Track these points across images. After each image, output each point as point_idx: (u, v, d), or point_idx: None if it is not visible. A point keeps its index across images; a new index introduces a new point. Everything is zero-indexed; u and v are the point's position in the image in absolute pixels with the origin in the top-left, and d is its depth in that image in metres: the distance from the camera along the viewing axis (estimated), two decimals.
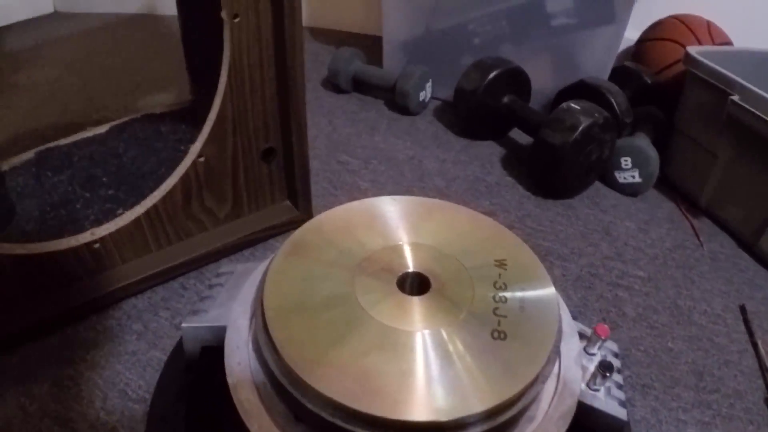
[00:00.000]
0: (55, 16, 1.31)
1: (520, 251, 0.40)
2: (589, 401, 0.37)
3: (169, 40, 1.18)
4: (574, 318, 0.48)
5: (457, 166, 0.86)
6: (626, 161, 0.79)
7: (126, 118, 0.83)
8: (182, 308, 0.60)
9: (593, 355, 0.40)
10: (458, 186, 0.81)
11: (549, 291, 0.37)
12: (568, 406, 0.35)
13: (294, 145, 0.64)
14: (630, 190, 0.81)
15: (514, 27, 0.91)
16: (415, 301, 0.36)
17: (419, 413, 0.29)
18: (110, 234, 0.57)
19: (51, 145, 0.73)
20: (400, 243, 0.40)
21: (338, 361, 0.31)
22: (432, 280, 0.37)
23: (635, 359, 0.57)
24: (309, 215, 0.71)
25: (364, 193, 0.78)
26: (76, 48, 1.16)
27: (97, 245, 0.56)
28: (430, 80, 0.97)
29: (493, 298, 0.36)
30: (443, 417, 0.29)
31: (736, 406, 0.54)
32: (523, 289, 0.37)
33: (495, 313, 0.35)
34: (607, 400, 0.37)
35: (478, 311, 0.35)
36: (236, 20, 0.52)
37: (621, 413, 0.37)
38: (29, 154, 0.71)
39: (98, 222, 0.59)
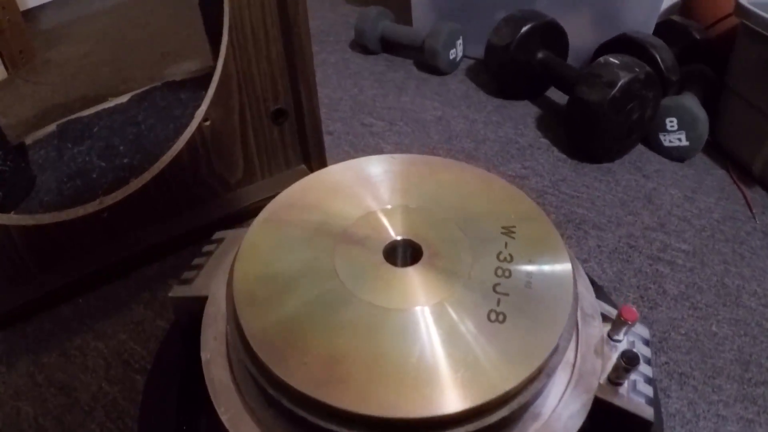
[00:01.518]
0: None
1: (533, 217, 0.36)
2: (608, 398, 0.32)
3: (197, 8, 1.15)
4: (602, 295, 0.44)
5: (488, 127, 0.80)
6: (672, 122, 0.71)
7: (148, 87, 0.81)
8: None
9: (618, 341, 0.35)
10: (488, 148, 0.76)
11: (563, 265, 0.32)
12: (582, 403, 0.31)
13: (305, 104, 0.60)
14: (676, 154, 0.74)
15: None
16: (402, 273, 0.32)
17: (387, 408, 0.25)
18: (118, 202, 0.56)
19: (73, 117, 0.73)
20: (394, 206, 0.36)
21: (306, 344, 0.28)
22: (424, 250, 0.33)
23: (674, 344, 0.52)
24: None
25: None
26: (106, 23, 1.17)
27: (105, 214, 0.55)
28: (461, 37, 0.91)
29: (495, 272, 0.32)
30: (415, 414, 0.25)
31: None
32: (531, 262, 0.32)
33: (495, 290, 0.31)
34: (630, 397, 0.32)
35: (475, 287, 0.31)
36: None
37: (647, 412, 0.32)
38: (51, 127, 0.71)
39: (110, 191, 0.58)
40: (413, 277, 0.31)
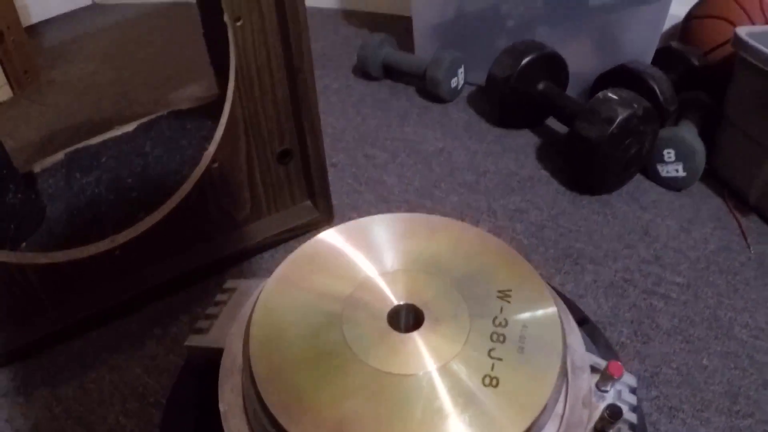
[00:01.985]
0: (93, 8, 1.33)
1: (528, 281, 0.37)
2: None
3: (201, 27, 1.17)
4: (597, 339, 0.45)
5: (488, 159, 0.82)
6: (669, 154, 0.73)
7: (153, 116, 0.83)
8: (202, 312, 0.60)
9: (606, 391, 0.37)
10: (489, 181, 0.78)
11: (554, 330, 0.34)
12: None
13: (309, 146, 0.63)
14: (673, 185, 0.75)
15: (550, 7, 0.85)
16: (405, 339, 0.34)
17: None
18: (129, 240, 0.58)
19: (80, 145, 0.75)
20: (398, 270, 0.38)
21: (318, 405, 0.30)
22: (426, 315, 0.35)
23: (665, 378, 0.54)
24: (330, 215, 0.70)
25: (390, 190, 0.76)
26: (111, 40, 1.19)
27: (117, 252, 0.57)
28: (463, 66, 0.92)
29: (491, 337, 0.34)
30: None
31: None
32: (524, 327, 0.34)
33: (490, 355, 0.33)
34: None
35: (472, 353, 0.33)
36: (239, 23, 0.51)
37: None
38: (59, 156, 0.73)
39: (120, 227, 0.60)
40: (415, 343, 0.33)
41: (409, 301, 0.36)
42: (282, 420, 0.30)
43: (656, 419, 0.50)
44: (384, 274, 0.37)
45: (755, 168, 0.70)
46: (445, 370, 0.32)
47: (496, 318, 0.35)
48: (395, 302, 0.36)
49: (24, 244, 0.64)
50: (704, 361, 0.55)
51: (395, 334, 0.34)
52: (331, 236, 0.40)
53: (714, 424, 0.50)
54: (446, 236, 0.40)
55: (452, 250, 0.39)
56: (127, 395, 0.52)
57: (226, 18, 0.50)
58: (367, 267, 0.38)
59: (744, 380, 0.54)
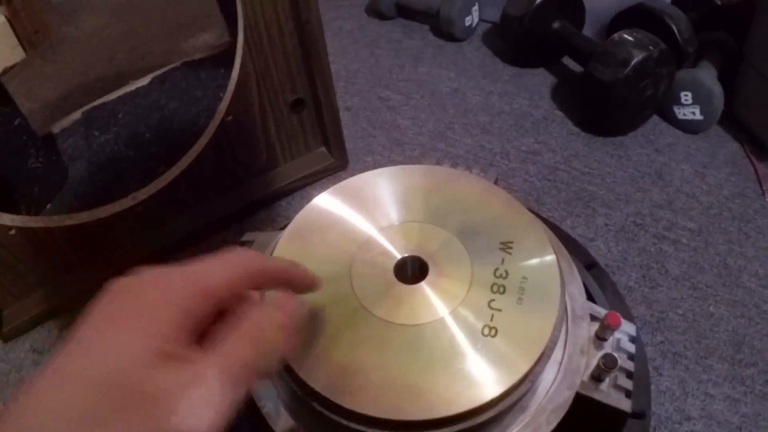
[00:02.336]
0: None
1: (530, 232, 0.39)
2: (589, 393, 0.36)
3: None
4: (605, 284, 0.47)
5: (503, 99, 0.81)
6: (686, 96, 0.71)
7: (167, 68, 0.84)
8: None
9: (605, 340, 0.39)
10: (502, 122, 0.77)
11: (553, 280, 0.36)
12: (564, 399, 0.35)
13: (321, 95, 0.63)
14: (690, 128, 0.74)
15: None
16: (410, 290, 0.35)
17: (396, 411, 0.30)
18: (150, 196, 0.60)
19: (97, 103, 0.76)
20: (404, 222, 0.39)
21: (327, 353, 0.33)
22: (431, 266, 0.37)
23: (671, 324, 0.55)
24: (345, 161, 0.71)
25: (404, 133, 0.77)
26: None
27: (139, 208, 0.60)
28: (477, 3, 0.90)
29: (491, 288, 0.35)
30: (418, 416, 0.30)
31: None
32: (524, 278, 0.36)
33: (490, 306, 0.34)
34: (609, 392, 0.36)
35: (473, 304, 0.34)
36: None
37: (624, 404, 0.36)
38: (77, 114, 0.75)
39: (141, 182, 0.62)
40: (419, 294, 0.35)
41: (415, 254, 0.37)
42: (294, 366, 0.33)
43: (659, 364, 0.52)
44: (390, 227, 0.39)
45: None
46: (446, 320, 0.34)
47: (497, 269, 0.36)
48: (402, 254, 0.37)
49: (49, 205, 0.66)
50: (711, 309, 0.56)
51: (401, 285, 0.36)
52: (339, 191, 0.42)
53: (716, 371, 0.52)
54: (452, 188, 0.41)
55: (457, 203, 0.40)
56: None
57: None
58: (373, 221, 0.39)
59: (749, 329, 0.55)
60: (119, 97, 0.78)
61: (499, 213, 0.39)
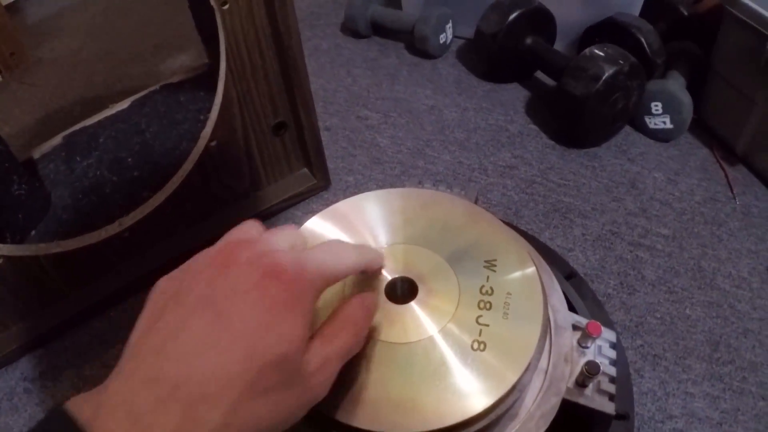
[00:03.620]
0: None
1: (511, 249, 0.40)
2: (574, 398, 0.38)
3: None
4: (584, 293, 0.49)
5: (479, 115, 0.83)
6: (656, 106, 0.74)
7: (146, 91, 0.84)
8: None
9: (587, 348, 0.41)
10: (479, 137, 0.79)
11: (535, 294, 0.37)
12: (552, 405, 0.37)
13: (303, 119, 0.64)
14: (661, 136, 0.77)
15: None
16: (400, 310, 0.37)
17: (392, 426, 0.31)
18: (137, 222, 0.60)
19: (77, 127, 0.76)
20: (392, 244, 0.41)
21: None
22: (420, 287, 0.38)
23: (649, 327, 0.57)
24: (327, 181, 0.72)
25: (383, 151, 0.78)
26: (94, 12, 1.17)
27: (126, 234, 0.60)
28: (450, 21, 0.92)
29: (478, 305, 0.37)
30: (414, 429, 0.31)
31: (749, 380, 0.53)
32: (508, 294, 0.37)
33: (478, 322, 0.36)
34: (594, 396, 0.38)
35: (462, 320, 0.36)
36: (225, 7, 0.51)
37: (608, 408, 0.38)
38: (57, 139, 0.75)
39: (126, 207, 0.62)
40: (410, 314, 0.36)
41: (405, 275, 0.39)
42: None
43: (640, 366, 0.54)
44: (382, 249, 0.40)
45: (742, 118, 0.72)
46: (437, 337, 0.35)
47: (482, 287, 0.38)
48: (391, 276, 0.39)
49: (33, 232, 0.66)
50: (687, 311, 0.59)
51: (392, 305, 0.37)
52: (327, 216, 0.43)
53: (695, 371, 0.54)
54: (436, 210, 0.43)
55: (442, 224, 0.41)
56: None
57: (212, 2, 0.51)
58: (365, 243, 0.41)
59: (725, 329, 0.57)
60: (99, 122, 0.78)
61: (481, 232, 0.41)
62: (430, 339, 0.35)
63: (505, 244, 0.40)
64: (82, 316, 0.61)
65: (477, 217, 0.42)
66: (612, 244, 0.65)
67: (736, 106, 0.72)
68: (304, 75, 0.60)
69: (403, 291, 0.39)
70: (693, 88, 0.75)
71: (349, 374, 0.33)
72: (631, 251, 0.64)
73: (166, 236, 0.64)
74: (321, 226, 0.42)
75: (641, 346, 0.56)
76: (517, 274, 0.38)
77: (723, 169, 0.74)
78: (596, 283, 0.61)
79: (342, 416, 0.32)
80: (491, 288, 0.38)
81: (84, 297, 0.61)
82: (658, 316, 0.58)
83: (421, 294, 0.38)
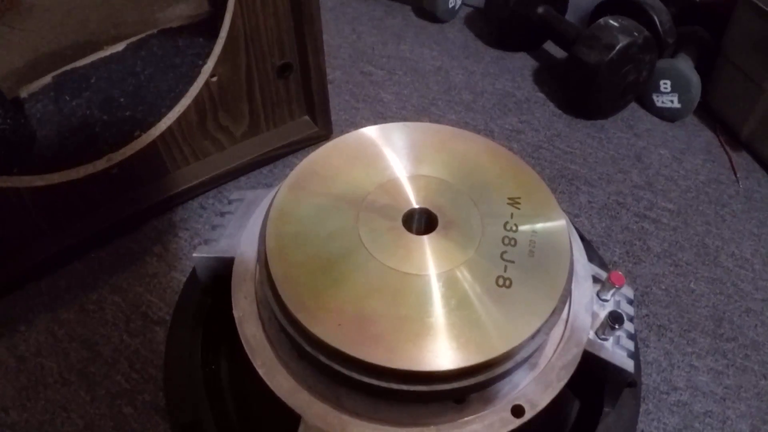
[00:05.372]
0: None
1: (536, 189, 0.38)
2: (596, 351, 0.36)
3: None
4: (592, 257, 0.47)
5: (485, 79, 0.81)
6: (665, 84, 0.73)
7: (143, 35, 0.80)
8: (201, 228, 0.61)
9: (606, 301, 0.39)
10: (486, 101, 0.77)
11: (562, 236, 0.36)
12: (573, 356, 0.35)
13: (310, 60, 0.61)
14: (667, 115, 0.76)
15: None
16: (420, 241, 0.34)
17: (412, 363, 0.29)
18: (126, 158, 0.57)
19: (68, 68, 0.72)
20: (410, 175, 0.38)
21: (337, 304, 0.31)
22: (439, 218, 0.36)
23: (655, 298, 0.56)
24: (328, 131, 0.69)
25: (387, 107, 0.76)
26: None
27: (114, 170, 0.56)
28: None
29: (502, 240, 0.35)
30: (435, 367, 0.29)
31: (752, 358, 0.53)
32: (534, 233, 0.35)
33: (502, 258, 0.34)
34: (614, 351, 0.36)
35: (485, 255, 0.34)
36: None
37: (628, 365, 0.36)
38: (47, 79, 0.70)
39: (116, 146, 0.59)
40: (431, 244, 0.34)
41: (423, 205, 0.36)
42: (302, 318, 0.31)
43: (646, 336, 0.53)
44: (395, 180, 0.38)
45: (749, 105, 0.71)
46: (460, 271, 0.33)
47: (506, 223, 0.35)
48: (410, 206, 0.36)
49: (15, 170, 0.62)
50: (692, 285, 0.58)
51: (411, 236, 0.35)
52: (342, 143, 0.40)
53: (699, 345, 0.53)
54: (458, 145, 0.40)
55: (464, 159, 0.39)
56: (130, 315, 0.53)
57: None
58: (381, 173, 0.38)
59: (729, 306, 0.56)
60: (92, 63, 0.74)
61: (505, 169, 0.39)
62: (452, 271, 0.33)
63: (529, 183, 0.38)
64: (63, 256, 0.57)
65: (499, 154, 0.40)
66: (618, 213, 0.64)
67: (744, 92, 0.72)
68: (317, 14, 0.57)
69: (421, 222, 0.37)
70: (700, 73, 0.74)
71: (363, 306, 0.31)
72: (636, 222, 0.63)
73: (156, 177, 0.61)
74: (334, 153, 0.40)
75: (647, 315, 0.55)
76: (543, 213, 0.36)
77: (727, 153, 0.73)
78: (602, 250, 0.60)
79: (356, 351, 0.29)
80: (515, 225, 0.35)
81: (65, 237, 0.57)
82: (663, 287, 0.57)
83: (440, 226, 0.35)
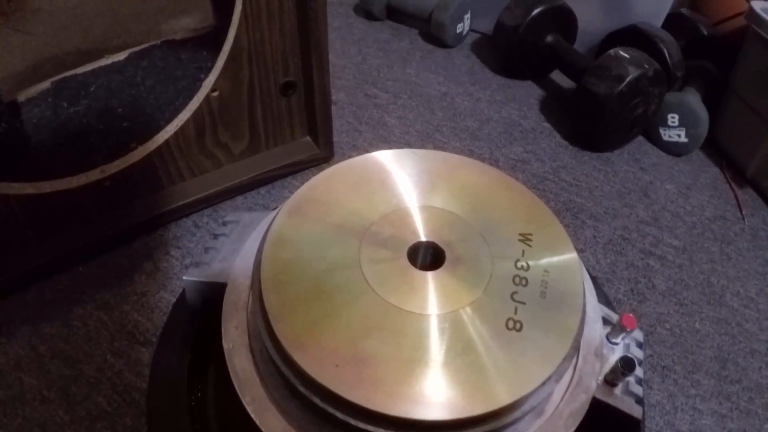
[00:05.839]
0: None
1: (549, 225, 0.37)
2: (605, 397, 0.34)
3: None
4: (599, 296, 0.45)
5: (491, 107, 0.80)
6: (673, 118, 0.72)
7: (146, 45, 0.79)
8: (193, 247, 0.58)
9: (616, 344, 0.37)
10: (491, 129, 0.76)
11: (575, 276, 0.34)
12: (581, 403, 0.33)
13: (315, 80, 0.60)
14: (674, 149, 0.75)
15: None
16: (425, 277, 0.33)
17: (412, 410, 0.27)
18: (120, 171, 0.55)
19: (68, 74, 0.70)
20: (417, 206, 0.37)
21: (334, 343, 0.29)
22: (447, 253, 0.34)
23: (659, 338, 0.54)
24: (330, 153, 0.68)
25: (391, 131, 0.74)
26: None
27: (107, 183, 0.55)
28: (469, 11, 0.89)
29: (513, 279, 0.33)
30: (437, 416, 0.27)
31: (756, 401, 0.51)
32: (546, 272, 0.33)
33: (513, 299, 0.32)
34: (623, 398, 0.35)
35: (495, 295, 0.32)
36: None
37: (636, 411, 0.34)
38: (46, 84, 0.68)
39: (110, 157, 0.57)
40: (436, 281, 0.32)
41: (430, 239, 0.34)
42: (297, 357, 0.29)
43: (650, 377, 0.51)
44: (401, 210, 0.36)
45: (756, 141, 0.70)
46: (467, 312, 0.31)
47: (518, 261, 0.34)
48: (415, 239, 0.34)
49: (8, 177, 0.60)
50: (696, 325, 0.56)
51: (416, 271, 0.33)
52: (345, 169, 0.38)
53: (704, 387, 0.51)
54: (468, 175, 0.39)
55: (474, 190, 0.38)
56: (115, 333, 0.50)
57: None
58: (386, 202, 0.36)
59: (733, 347, 0.55)
60: (92, 70, 0.72)
61: (515, 203, 0.37)
62: (459, 312, 0.31)
63: (541, 218, 0.36)
64: (49, 267, 0.55)
65: (511, 187, 0.38)
66: (623, 249, 0.62)
67: (751, 128, 0.71)
68: (324, 34, 0.56)
69: (427, 256, 0.35)
70: (707, 107, 0.73)
71: (362, 346, 0.29)
72: (642, 258, 0.61)
73: (150, 191, 0.59)
74: (336, 178, 0.38)
75: (650, 356, 0.53)
76: (556, 251, 0.35)
77: (733, 189, 0.72)
78: (607, 287, 0.58)
79: (352, 395, 0.27)
80: (527, 263, 0.34)
81: (53, 247, 0.55)
82: (668, 327, 0.56)
83: (448, 261, 0.33)
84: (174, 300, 0.52)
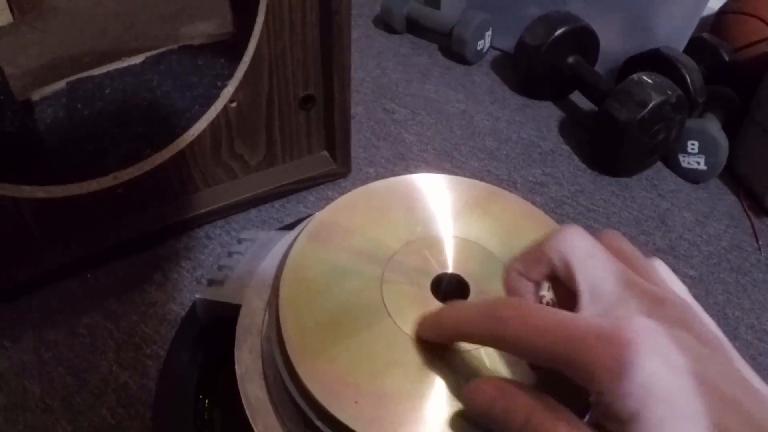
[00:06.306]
0: None
1: None
2: None
3: None
4: None
5: (511, 127, 0.79)
6: (693, 145, 0.71)
7: (163, 49, 0.78)
8: (205, 259, 0.58)
9: None
10: (510, 149, 0.75)
11: None
12: None
13: (336, 94, 0.59)
14: (692, 176, 0.74)
15: None
16: None
17: None
18: (134, 178, 0.54)
19: (83, 75, 0.70)
20: (443, 235, 0.35)
21: (355, 377, 0.28)
22: (472, 287, 0.33)
23: None
24: (347, 168, 0.67)
25: (409, 148, 0.73)
26: None
27: (120, 190, 0.54)
28: (491, 29, 0.88)
29: None
30: None
31: None
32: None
33: None
34: None
35: None
36: None
37: None
38: (60, 84, 0.68)
39: (124, 163, 0.56)
40: None
41: (455, 271, 0.33)
42: (314, 390, 0.28)
43: None
44: (425, 239, 0.35)
45: None
46: (493, 350, 0.30)
47: (543, 297, 0.33)
48: (440, 270, 0.33)
49: (19, 179, 0.59)
50: None
51: (439, 304, 0.32)
52: (369, 192, 0.37)
53: None
54: (498, 206, 0.37)
55: (503, 222, 0.36)
56: (122, 344, 0.50)
57: None
58: (411, 229, 0.35)
59: None
60: (108, 72, 0.72)
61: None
62: (484, 348, 0.30)
63: None
64: (57, 273, 0.54)
65: (542, 221, 0.37)
66: None
67: None
68: (347, 48, 0.55)
69: (451, 289, 0.34)
70: (727, 133, 0.72)
71: (384, 382, 0.28)
72: None
73: (162, 200, 0.58)
74: (359, 203, 0.37)
75: None
76: None
77: (750, 219, 0.71)
78: None
79: None
80: (552, 300, 0.32)
81: (61, 253, 0.54)
82: None
83: (473, 295, 0.32)
84: (183, 314, 0.51)
